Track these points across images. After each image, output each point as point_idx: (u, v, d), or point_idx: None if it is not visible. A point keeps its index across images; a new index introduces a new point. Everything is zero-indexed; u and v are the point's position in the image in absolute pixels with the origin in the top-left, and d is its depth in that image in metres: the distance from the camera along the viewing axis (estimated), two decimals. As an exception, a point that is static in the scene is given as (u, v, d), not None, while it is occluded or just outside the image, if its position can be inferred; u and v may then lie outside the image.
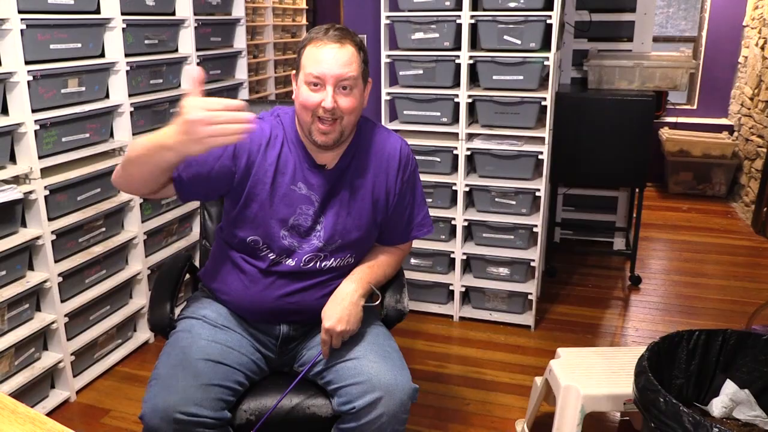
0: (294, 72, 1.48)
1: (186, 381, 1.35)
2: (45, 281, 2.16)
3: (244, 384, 1.48)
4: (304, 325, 1.60)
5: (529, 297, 2.81)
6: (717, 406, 1.67)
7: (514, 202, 2.76)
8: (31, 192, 2.08)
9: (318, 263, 1.53)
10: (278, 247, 1.51)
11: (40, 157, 2.11)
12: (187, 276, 1.80)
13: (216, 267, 1.62)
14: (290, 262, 1.52)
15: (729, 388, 1.69)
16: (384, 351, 1.47)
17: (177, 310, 1.64)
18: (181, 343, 1.47)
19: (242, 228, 1.52)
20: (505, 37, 2.58)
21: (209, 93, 2.91)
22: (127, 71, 2.44)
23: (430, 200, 2.87)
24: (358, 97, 1.44)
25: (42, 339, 2.23)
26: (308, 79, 1.40)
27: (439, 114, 2.76)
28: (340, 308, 1.46)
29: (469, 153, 2.75)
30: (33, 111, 2.07)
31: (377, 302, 1.56)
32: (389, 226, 1.62)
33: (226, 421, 1.39)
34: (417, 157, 2.81)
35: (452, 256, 2.87)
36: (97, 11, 2.33)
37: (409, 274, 2.93)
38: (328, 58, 1.39)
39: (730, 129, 4.99)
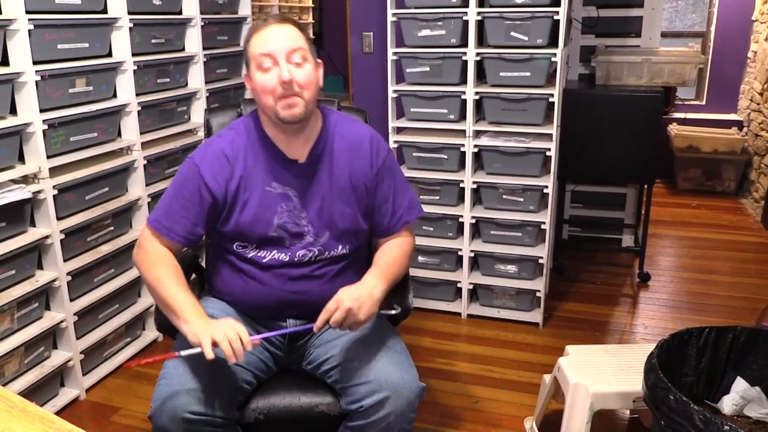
0: (245, 73, 1.50)
1: (195, 380, 1.35)
2: (54, 280, 2.17)
3: (252, 383, 1.49)
4: (311, 321, 1.59)
5: (537, 294, 2.81)
6: (727, 404, 1.66)
7: (521, 199, 2.75)
8: (39, 191, 2.09)
9: (312, 256, 1.54)
10: (268, 245, 1.52)
11: (48, 157, 2.12)
12: (194, 276, 1.81)
13: (216, 269, 1.63)
14: (283, 257, 1.52)
15: (740, 385, 1.67)
16: (391, 350, 1.47)
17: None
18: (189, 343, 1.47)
19: (229, 236, 1.54)
20: (512, 33, 2.57)
21: (217, 91, 2.92)
22: (134, 70, 2.45)
23: (437, 197, 2.86)
24: (312, 72, 1.45)
25: (51, 338, 2.24)
26: (259, 62, 1.42)
27: (446, 111, 2.75)
28: (359, 292, 1.40)
29: (476, 150, 2.74)
30: (41, 111, 2.07)
31: (392, 313, 1.53)
32: (378, 215, 1.60)
33: (235, 420, 1.40)
34: (424, 155, 2.83)
35: (460, 253, 2.86)
36: (104, 11, 2.33)
37: (416, 272, 2.93)
38: (273, 35, 1.42)
39: (739, 124, 4.96)
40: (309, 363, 1.58)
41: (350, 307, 1.36)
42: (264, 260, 1.53)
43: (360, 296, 1.39)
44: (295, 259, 1.52)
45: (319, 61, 1.49)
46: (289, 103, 1.42)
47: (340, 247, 1.56)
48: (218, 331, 1.27)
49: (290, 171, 1.52)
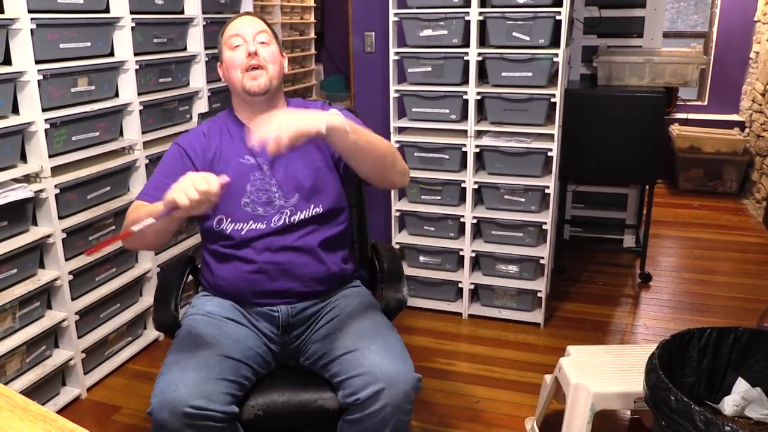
0: (219, 63, 1.67)
1: (194, 375, 1.36)
2: (56, 279, 2.18)
3: (251, 378, 1.50)
4: (302, 302, 1.61)
5: (539, 294, 2.80)
6: (729, 405, 1.66)
7: (523, 200, 2.75)
8: (41, 191, 2.09)
9: (286, 219, 1.58)
10: (243, 215, 1.58)
11: (50, 156, 2.12)
12: (190, 278, 1.83)
13: (207, 264, 1.68)
14: (261, 226, 1.58)
15: (741, 386, 1.67)
16: (385, 341, 1.48)
17: (182, 311, 1.65)
18: (188, 338, 1.50)
19: (209, 216, 1.59)
20: (514, 33, 2.57)
21: (219, 91, 2.93)
22: (136, 70, 2.45)
23: (438, 198, 2.86)
24: (276, 52, 1.62)
25: (53, 337, 2.25)
26: (229, 43, 1.60)
27: (447, 111, 2.75)
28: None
29: (477, 150, 2.74)
30: (43, 110, 2.08)
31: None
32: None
33: (234, 416, 1.40)
34: (425, 155, 2.83)
35: (461, 253, 2.86)
36: (107, 10, 2.33)
37: (417, 272, 2.93)
38: (243, 21, 1.63)
39: (741, 125, 4.95)
40: (307, 358, 1.59)
41: (281, 120, 1.27)
42: (242, 232, 1.57)
43: (292, 114, 1.30)
44: (272, 225, 1.57)
45: (284, 54, 1.67)
46: (253, 75, 1.58)
47: (312, 206, 1.60)
48: (175, 187, 1.24)
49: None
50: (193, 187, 1.22)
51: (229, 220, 1.58)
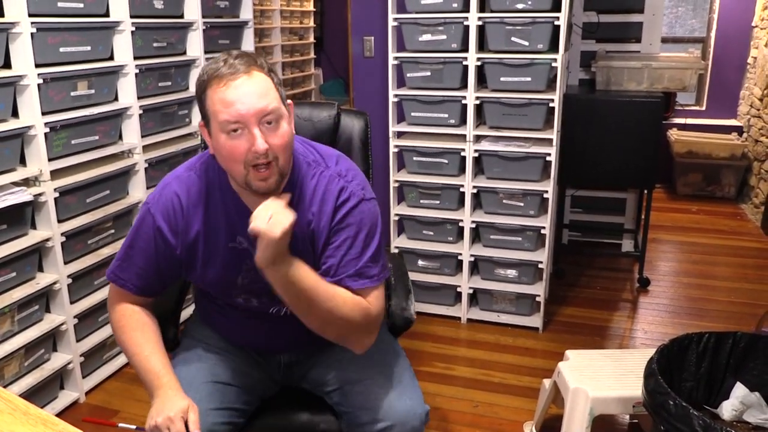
0: (201, 122, 1.26)
1: (196, 400, 1.29)
2: (54, 283, 2.17)
3: (252, 403, 1.45)
4: (306, 352, 1.51)
5: (537, 299, 2.81)
6: (727, 409, 1.66)
7: (521, 204, 2.75)
8: (40, 194, 2.09)
9: (288, 310, 1.34)
10: (237, 304, 1.42)
11: (49, 160, 2.12)
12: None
13: (200, 304, 1.57)
14: (256, 305, 1.41)
15: (739, 391, 1.68)
16: (394, 374, 1.40)
17: (183, 313, 1.62)
18: (187, 366, 1.42)
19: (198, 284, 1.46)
20: (513, 38, 2.58)
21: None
22: (136, 74, 2.46)
23: (437, 202, 2.87)
24: (287, 130, 1.23)
25: (51, 340, 2.24)
26: (225, 128, 1.18)
27: (446, 116, 2.76)
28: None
29: (476, 155, 2.75)
30: (43, 113, 2.08)
31: None
32: (325, 259, 1.33)
33: None
34: (424, 159, 2.83)
35: (460, 257, 2.86)
36: (106, 15, 2.34)
37: (416, 276, 2.93)
38: (240, 95, 1.17)
39: (739, 130, 4.96)
40: (308, 383, 1.52)
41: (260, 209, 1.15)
42: (240, 305, 1.43)
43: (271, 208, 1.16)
44: (271, 311, 1.42)
45: (290, 102, 1.29)
46: (262, 176, 1.21)
47: None
48: (161, 420, 1.21)
49: None
50: None
51: (226, 299, 1.44)
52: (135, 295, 1.38)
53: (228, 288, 1.38)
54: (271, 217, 1.13)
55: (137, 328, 1.36)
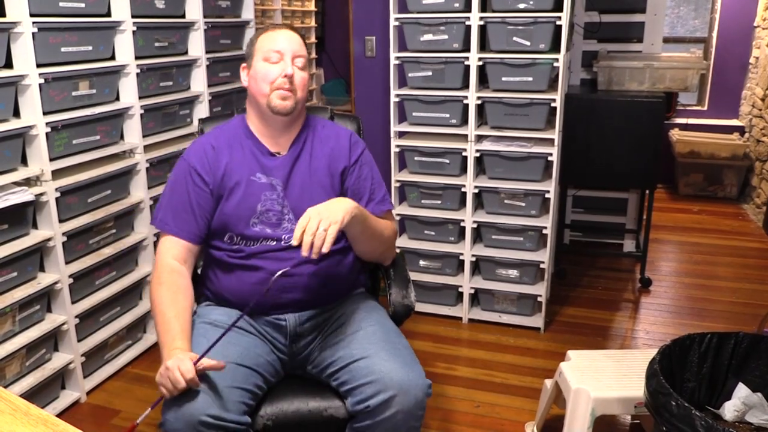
0: (244, 65, 1.64)
1: (208, 384, 1.34)
2: (56, 283, 2.17)
3: (261, 387, 1.49)
4: (309, 311, 1.61)
5: (539, 299, 2.80)
6: (729, 410, 1.66)
7: (523, 204, 2.75)
8: (42, 194, 2.09)
9: (290, 238, 1.53)
10: (252, 234, 1.57)
11: (51, 159, 2.12)
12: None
13: (211, 273, 1.66)
14: (272, 243, 1.58)
15: (741, 391, 1.67)
16: (395, 348, 1.48)
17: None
18: (199, 349, 1.44)
19: (217, 231, 1.60)
20: (515, 38, 2.58)
21: (220, 95, 2.93)
22: (138, 74, 2.46)
23: (438, 202, 2.87)
24: (307, 76, 1.61)
25: (53, 340, 2.24)
26: (267, 56, 1.56)
27: (448, 116, 2.75)
28: (325, 203, 1.43)
29: (478, 155, 2.74)
30: (44, 113, 2.08)
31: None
32: (355, 199, 1.60)
33: (247, 426, 1.39)
34: (426, 159, 2.83)
35: (461, 258, 2.86)
36: (108, 14, 2.34)
37: (417, 276, 2.93)
38: (285, 37, 1.58)
39: (741, 130, 4.96)
40: (315, 366, 1.58)
41: (318, 211, 1.38)
42: (252, 248, 1.58)
43: (326, 204, 1.42)
44: (282, 244, 1.57)
45: (313, 73, 1.67)
46: (284, 95, 1.55)
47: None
48: (162, 378, 1.32)
49: (273, 162, 1.62)
50: (171, 385, 1.29)
51: (239, 238, 1.59)
52: (178, 237, 1.57)
53: (249, 215, 1.57)
54: (320, 222, 1.36)
55: (171, 289, 1.50)
